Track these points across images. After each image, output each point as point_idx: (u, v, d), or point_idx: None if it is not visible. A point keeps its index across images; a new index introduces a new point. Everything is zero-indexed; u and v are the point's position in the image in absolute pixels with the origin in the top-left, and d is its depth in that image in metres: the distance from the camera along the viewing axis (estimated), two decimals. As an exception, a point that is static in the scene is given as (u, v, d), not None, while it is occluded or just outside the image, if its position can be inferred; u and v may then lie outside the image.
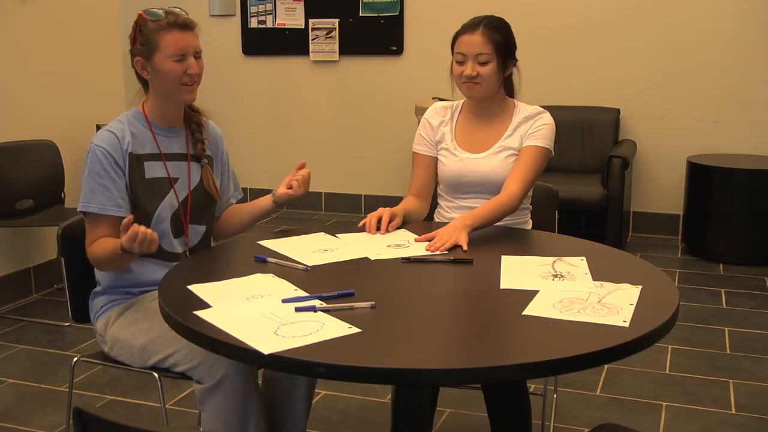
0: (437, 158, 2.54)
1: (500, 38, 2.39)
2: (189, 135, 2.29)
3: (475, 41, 2.37)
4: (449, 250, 2.09)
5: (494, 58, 2.37)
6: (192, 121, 2.29)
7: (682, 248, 5.12)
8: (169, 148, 2.24)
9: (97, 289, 2.25)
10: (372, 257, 2.04)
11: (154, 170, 2.19)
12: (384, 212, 2.29)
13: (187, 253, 2.25)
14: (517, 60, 2.46)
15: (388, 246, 2.14)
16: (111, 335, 2.16)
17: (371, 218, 2.28)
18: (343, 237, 2.23)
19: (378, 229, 2.26)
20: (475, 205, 2.44)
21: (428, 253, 2.07)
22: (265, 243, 2.16)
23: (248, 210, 2.40)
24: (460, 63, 2.40)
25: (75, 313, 2.29)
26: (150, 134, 2.21)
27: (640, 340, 1.52)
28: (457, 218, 2.23)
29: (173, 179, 2.22)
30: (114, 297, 2.22)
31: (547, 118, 2.46)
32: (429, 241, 2.14)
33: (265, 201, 2.37)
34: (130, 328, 2.13)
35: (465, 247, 2.09)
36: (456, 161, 2.47)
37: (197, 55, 2.17)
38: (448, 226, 2.19)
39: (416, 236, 2.21)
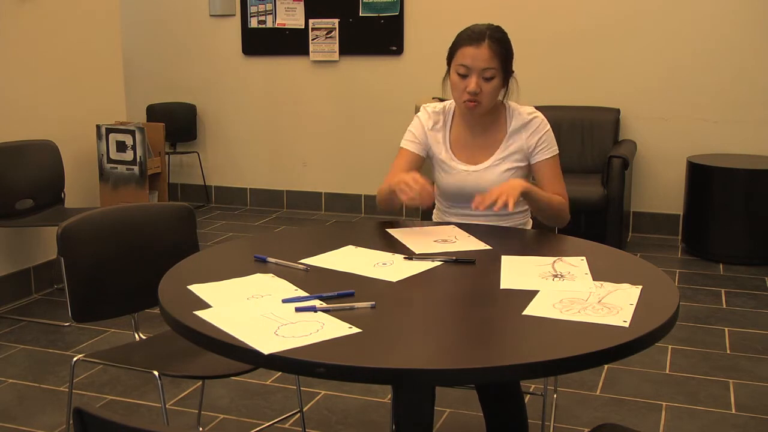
0: (423, 157, 2.47)
1: (504, 51, 2.28)
2: None
3: (482, 56, 2.24)
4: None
5: (499, 73, 2.28)
6: None
7: (682, 248, 5.12)
8: None
9: None
10: (417, 251, 2.06)
11: None
12: (410, 176, 2.15)
13: None
14: (513, 71, 2.37)
15: (435, 241, 2.16)
16: None
17: (400, 183, 2.14)
18: (392, 232, 2.26)
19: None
20: (474, 213, 2.41)
21: (432, 252, 2.05)
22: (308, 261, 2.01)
23: None
24: (463, 76, 2.28)
25: (75, 313, 2.28)
26: None
27: (640, 340, 1.52)
28: (517, 179, 2.25)
29: None
30: None
31: (543, 125, 2.40)
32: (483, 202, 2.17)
33: None
34: None
35: (510, 208, 2.12)
36: (455, 175, 2.41)
37: None
38: (504, 183, 2.21)
39: (462, 232, 2.22)
